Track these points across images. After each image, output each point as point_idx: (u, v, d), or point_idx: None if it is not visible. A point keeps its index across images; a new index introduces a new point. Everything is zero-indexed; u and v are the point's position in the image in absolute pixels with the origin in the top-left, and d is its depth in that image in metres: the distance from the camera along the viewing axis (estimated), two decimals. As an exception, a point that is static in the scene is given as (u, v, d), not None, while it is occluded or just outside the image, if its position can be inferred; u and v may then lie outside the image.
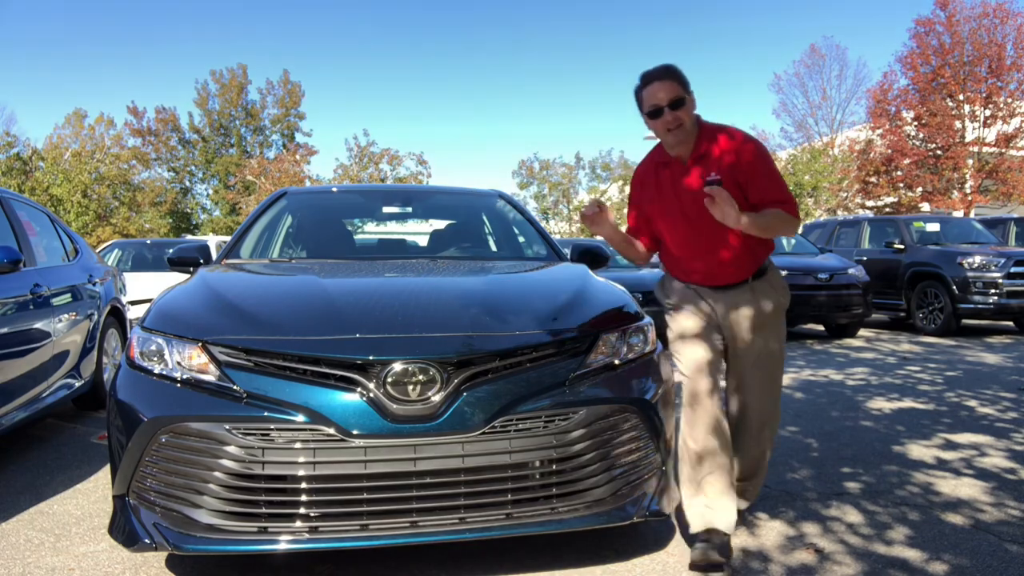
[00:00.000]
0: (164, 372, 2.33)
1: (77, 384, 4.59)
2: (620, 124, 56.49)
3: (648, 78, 2.48)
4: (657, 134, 2.54)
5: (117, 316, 5.45)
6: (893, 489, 3.26)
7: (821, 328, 9.93)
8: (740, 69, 55.75)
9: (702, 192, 2.39)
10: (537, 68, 57.73)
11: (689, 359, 2.53)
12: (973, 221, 11.84)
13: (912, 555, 2.56)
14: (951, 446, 4.00)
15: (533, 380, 2.31)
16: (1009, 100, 21.45)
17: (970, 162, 22.06)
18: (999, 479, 3.40)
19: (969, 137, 22.05)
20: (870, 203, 24.90)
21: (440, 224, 4.58)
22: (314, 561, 2.50)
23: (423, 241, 4.64)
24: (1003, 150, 21.68)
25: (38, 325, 4.01)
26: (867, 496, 3.17)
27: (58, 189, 29.07)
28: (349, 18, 54.80)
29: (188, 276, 3.17)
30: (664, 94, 2.43)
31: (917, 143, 22.76)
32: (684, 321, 2.60)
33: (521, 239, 4.13)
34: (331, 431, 2.14)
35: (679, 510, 2.57)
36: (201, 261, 3.42)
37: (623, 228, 2.77)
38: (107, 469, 3.52)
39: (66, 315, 4.40)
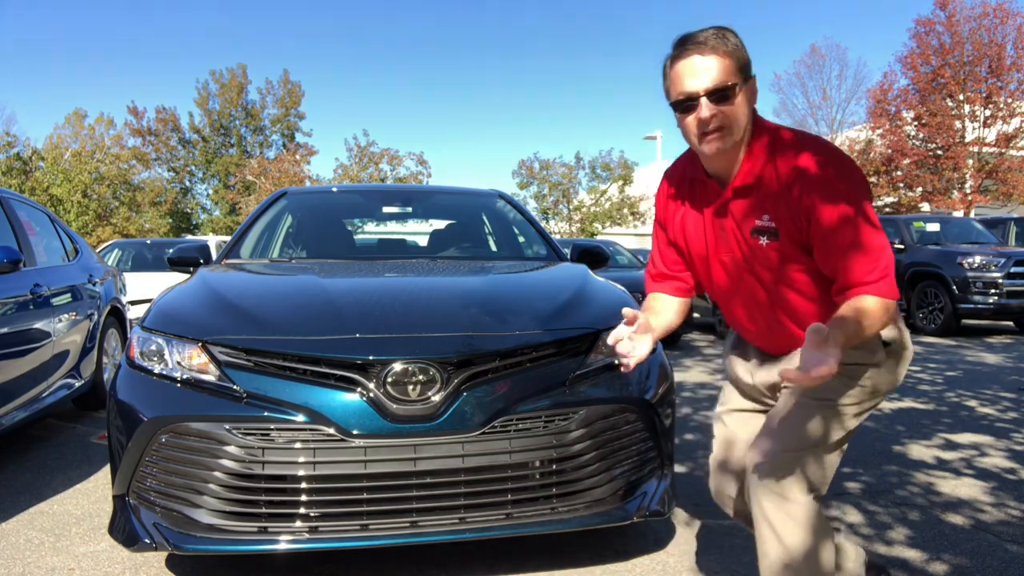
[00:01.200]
0: (164, 372, 2.33)
1: (77, 384, 4.59)
2: (620, 124, 56.48)
3: (684, 45, 1.57)
4: (686, 136, 1.64)
5: (117, 316, 5.45)
6: (893, 489, 3.26)
7: (821, 328, 9.91)
8: (740, 69, 55.56)
9: (743, 238, 1.65)
10: (537, 68, 57.78)
11: (715, 452, 1.92)
12: (973, 221, 11.84)
13: (912, 555, 2.56)
14: (951, 446, 4.00)
15: (533, 380, 2.31)
16: (1009, 100, 21.45)
17: (970, 162, 22.05)
18: (999, 479, 3.40)
19: (969, 137, 22.05)
20: (870, 203, 24.88)
21: (440, 224, 4.58)
22: (314, 561, 2.50)
23: (423, 241, 4.64)
24: (1003, 150, 21.68)
25: (38, 325, 4.01)
26: (867, 496, 3.17)
27: (58, 189, 29.05)
28: (349, 18, 54.83)
29: (188, 276, 3.18)
30: (704, 75, 1.54)
31: (917, 143, 22.75)
32: (724, 397, 1.94)
33: (521, 239, 4.13)
34: (331, 431, 2.14)
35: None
36: (201, 261, 3.42)
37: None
38: (107, 469, 3.52)
39: (66, 315, 4.40)
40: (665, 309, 1.86)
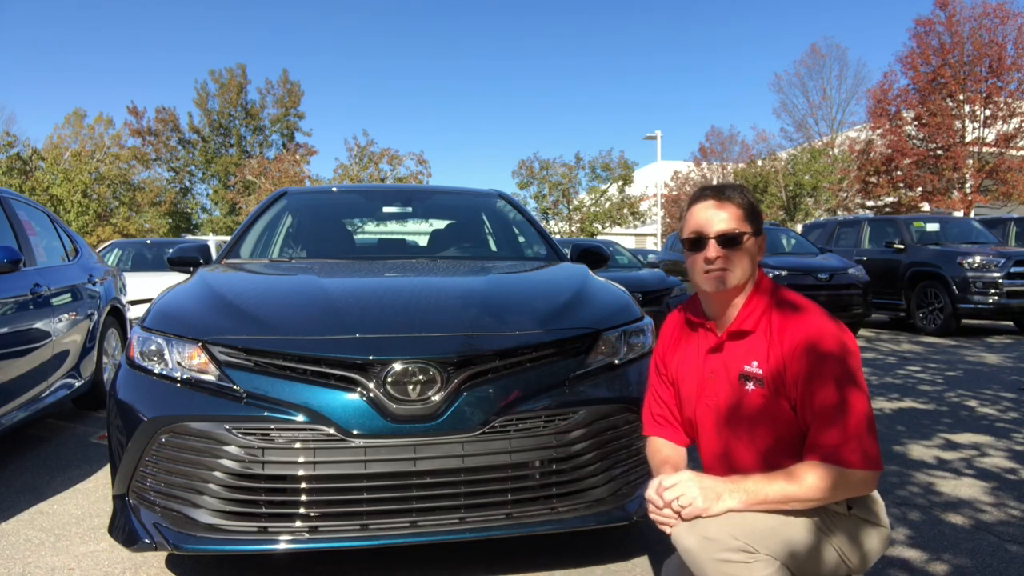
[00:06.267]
0: (164, 372, 2.33)
1: (77, 384, 4.58)
2: (620, 124, 56.57)
3: (702, 194, 1.74)
4: (691, 275, 1.74)
5: (117, 316, 5.45)
6: (893, 489, 3.26)
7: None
8: (740, 69, 55.81)
9: (730, 383, 1.70)
10: (537, 68, 57.83)
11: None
12: (973, 221, 11.83)
13: (912, 555, 2.56)
14: (951, 446, 4.00)
15: (533, 380, 2.31)
16: (1009, 100, 21.44)
17: (970, 162, 22.05)
18: (999, 479, 3.40)
19: (969, 137, 22.04)
20: (870, 203, 24.92)
21: (440, 224, 4.58)
22: (314, 561, 2.50)
23: (423, 241, 4.64)
24: (1003, 150, 21.67)
25: (38, 325, 4.01)
26: (867, 496, 3.17)
27: (58, 189, 29.04)
28: (349, 18, 54.89)
29: (188, 276, 3.17)
30: (716, 219, 1.67)
31: (917, 143, 22.75)
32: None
33: (521, 239, 4.13)
34: (331, 431, 2.14)
35: None
36: (201, 261, 3.42)
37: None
38: (107, 469, 3.52)
39: (66, 315, 4.40)
40: (679, 455, 1.84)
